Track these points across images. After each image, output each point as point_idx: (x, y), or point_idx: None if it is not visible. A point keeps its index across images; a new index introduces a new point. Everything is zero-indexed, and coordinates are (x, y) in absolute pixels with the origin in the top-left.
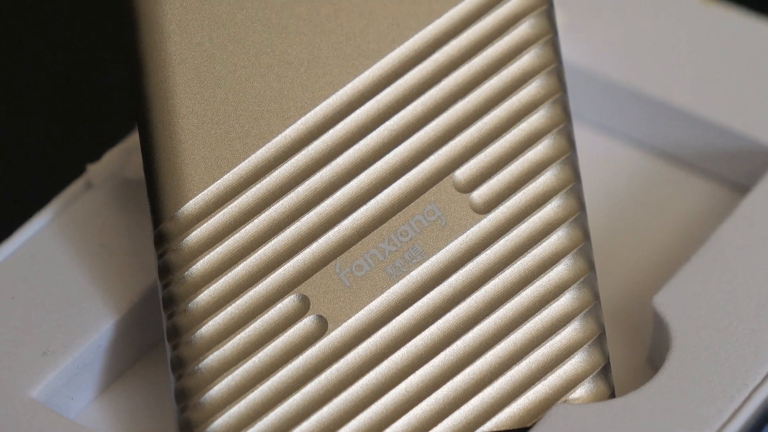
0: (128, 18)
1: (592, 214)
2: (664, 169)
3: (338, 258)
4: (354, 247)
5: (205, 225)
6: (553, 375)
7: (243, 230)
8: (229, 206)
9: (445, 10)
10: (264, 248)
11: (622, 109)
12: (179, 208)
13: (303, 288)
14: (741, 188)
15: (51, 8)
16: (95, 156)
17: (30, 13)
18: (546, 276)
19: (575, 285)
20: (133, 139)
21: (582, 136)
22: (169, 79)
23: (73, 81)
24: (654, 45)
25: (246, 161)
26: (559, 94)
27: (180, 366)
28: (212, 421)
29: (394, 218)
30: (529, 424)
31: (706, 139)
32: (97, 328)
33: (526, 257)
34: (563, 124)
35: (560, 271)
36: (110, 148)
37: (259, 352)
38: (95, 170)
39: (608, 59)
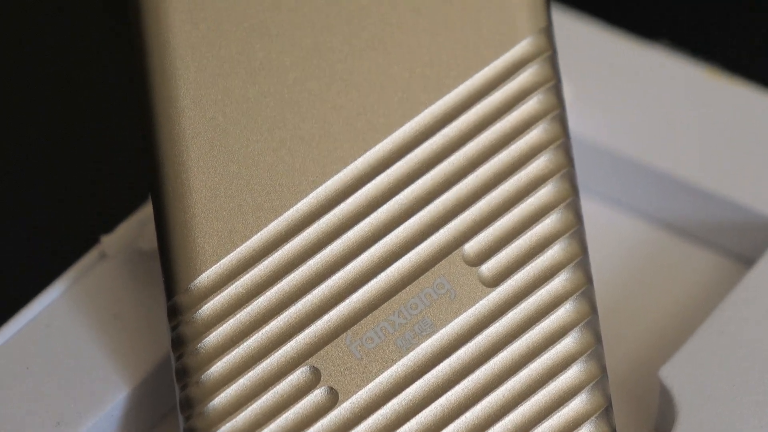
0: (143, 91)
1: (599, 286)
2: (670, 241)
3: (349, 330)
4: (364, 319)
5: (217, 298)
6: None
7: (255, 303)
8: (242, 279)
9: (455, 86)
10: (276, 321)
11: (628, 182)
12: (192, 281)
13: (314, 360)
14: (746, 261)
15: (64, 85)
16: (109, 227)
17: (46, 87)
18: (553, 349)
19: (582, 358)
20: (147, 211)
21: (589, 208)
22: (182, 153)
23: (87, 152)
24: (660, 118)
25: (258, 235)
26: (566, 168)
27: None
28: None
29: (403, 291)
30: None
31: (711, 212)
32: (110, 399)
33: (533, 330)
34: (570, 199)
35: (567, 344)
36: (124, 219)
37: (270, 424)
38: (109, 241)
39: (615, 132)
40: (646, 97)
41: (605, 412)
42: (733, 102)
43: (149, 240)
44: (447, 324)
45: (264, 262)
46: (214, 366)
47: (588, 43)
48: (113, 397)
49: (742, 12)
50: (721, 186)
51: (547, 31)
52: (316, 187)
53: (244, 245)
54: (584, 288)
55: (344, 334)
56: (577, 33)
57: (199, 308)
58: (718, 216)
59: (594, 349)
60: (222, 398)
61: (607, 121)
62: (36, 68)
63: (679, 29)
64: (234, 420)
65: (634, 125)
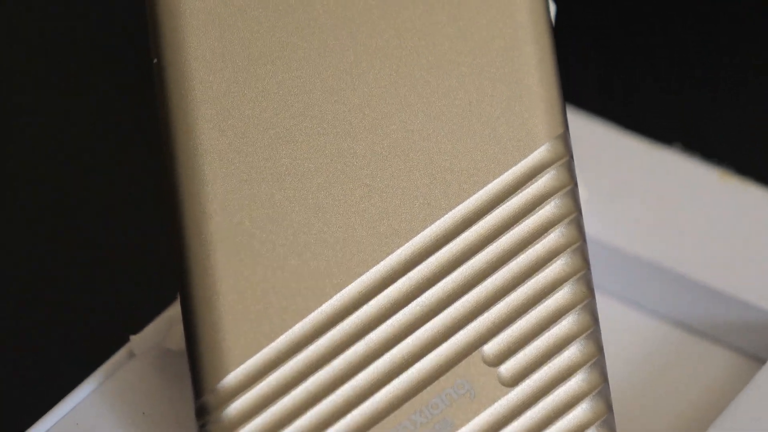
0: (173, 196)
1: (613, 383)
2: (684, 340)
3: (371, 429)
4: (386, 419)
5: (244, 397)
6: None
7: (281, 402)
8: (268, 379)
9: (474, 191)
10: (301, 420)
11: (643, 282)
12: (219, 381)
13: None
14: (760, 359)
15: (98, 187)
16: (138, 327)
17: (79, 185)
18: None
19: None
20: (175, 311)
21: (604, 307)
22: (210, 256)
23: (118, 253)
24: (674, 219)
25: (284, 336)
26: (583, 271)
27: None
28: None
29: (425, 391)
30: None
31: (725, 312)
32: None
33: (551, 429)
34: (587, 300)
35: None
36: (152, 319)
37: None
38: (138, 341)
39: (630, 233)
40: (660, 198)
41: None
42: (744, 203)
43: (177, 340)
44: (467, 423)
45: (289, 363)
46: None
47: (603, 146)
48: None
49: (753, 115)
50: (734, 286)
51: (564, 137)
52: (340, 290)
53: (270, 346)
54: (600, 387)
55: None
56: (592, 135)
57: (227, 407)
58: (732, 315)
59: None
60: None
61: (622, 222)
62: (73, 167)
63: (691, 133)
64: None
65: (649, 226)
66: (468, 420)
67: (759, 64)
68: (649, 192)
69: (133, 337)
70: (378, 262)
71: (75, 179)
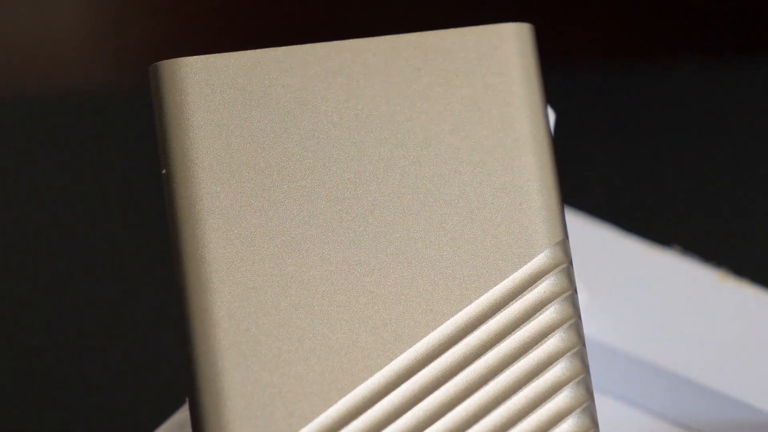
0: (181, 304)
1: None
2: None
3: None
4: None
5: None
6: None
7: None
8: None
9: (475, 297)
10: None
11: (644, 383)
12: None
13: None
14: None
15: (106, 297)
16: (148, 430)
17: (90, 288)
18: None
19: None
20: (184, 414)
21: (604, 407)
22: (218, 362)
23: (128, 358)
24: (673, 321)
25: None
26: (582, 375)
27: None
28: None
29: None
30: None
31: (724, 412)
32: None
33: None
34: (586, 404)
35: None
36: (161, 423)
37: None
38: None
39: (629, 335)
40: (659, 300)
41: None
42: (743, 305)
43: None
44: None
45: None
46: None
47: (602, 248)
48: None
49: (753, 217)
50: (734, 387)
51: (563, 244)
52: (344, 395)
53: None
54: None
55: None
56: (591, 238)
57: None
58: (731, 416)
59: None
60: None
61: (622, 324)
62: (86, 273)
63: (689, 236)
64: None
65: (649, 328)
66: None
67: (756, 164)
68: (648, 293)
69: None
70: (382, 368)
71: (87, 286)
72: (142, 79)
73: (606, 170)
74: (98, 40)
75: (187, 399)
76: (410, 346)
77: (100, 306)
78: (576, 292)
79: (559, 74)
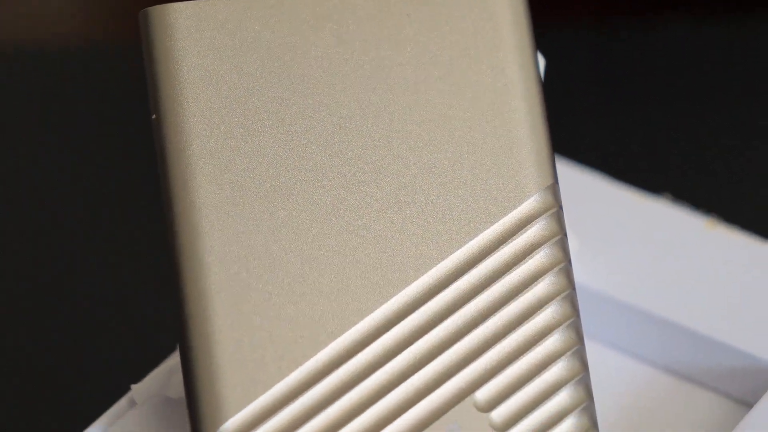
0: (171, 249)
1: (603, 428)
2: (672, 385)
3: None
4: None
5: None
6: None
7: None
8: (265, 425)
9: (466, 241)
10: None
11: (632, 329)
12: (217, 428)
13: None
14: (747, 404)
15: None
16: (138, 376)
17: (85, 243)
18: None
19: None
20: (175, 360)
21: (594, 353)
22: (208, 307)
23: (118, 304)
24: (662, 268)
25: (280, 384)
26: (572, 318)
27: None
28: None
29: None
30: None
31: (711, 357)
32: None
33: None
34: (576, 347)
35: None
36: (152, 368)
37: None
38: (138, 389)
39: (619, 281)
40: (649, 247)
41: None
42: (731, 251)
43: (177, 389)
44: None
45: (286, 410)
46: None
47: (592, 196)
48: None
49: (741, 167)
50: (722, 332)
51: (553, 188)
52: (335, 338)
53: (267, 394)
54: (590, 431)
55: None
56: (581, 186)
57: None
58: (719, 360)
59: None
60: None
61: (611, 270)
62: (76, 219)
63: (680, 184)
64: None
65: (639, 274)
66: None
67: (749, 117)
68: (638, 241)
69: (134, 386)
70: (372, 311)
71: (77, 232)
72: (134, 29)
73: (597, 118)
74: None
75: (177, 344)
76: (400, 290)
77: (89, 251)
78: (566, 236)
79: (551, 30)
